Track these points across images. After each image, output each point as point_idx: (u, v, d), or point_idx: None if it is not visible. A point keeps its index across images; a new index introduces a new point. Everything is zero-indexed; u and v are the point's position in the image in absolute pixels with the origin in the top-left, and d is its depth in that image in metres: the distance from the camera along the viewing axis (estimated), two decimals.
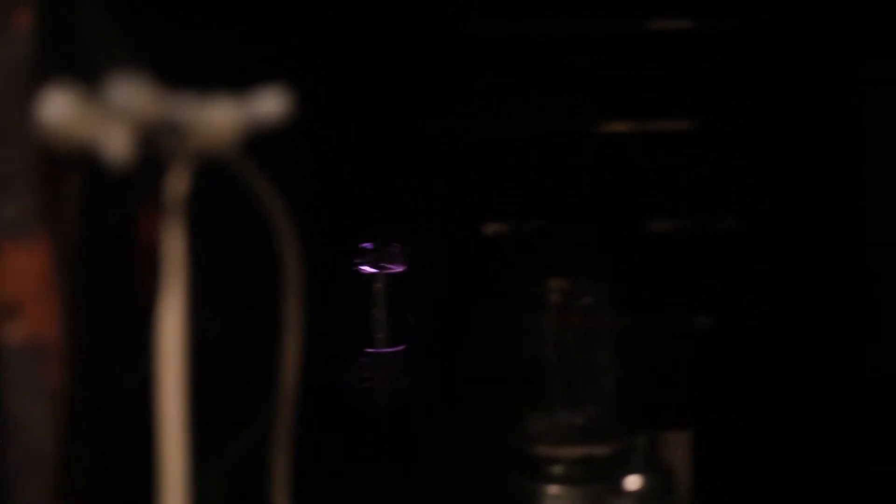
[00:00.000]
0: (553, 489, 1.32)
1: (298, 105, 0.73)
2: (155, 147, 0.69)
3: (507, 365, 1.44)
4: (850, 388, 1.51)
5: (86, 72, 0.70)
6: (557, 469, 1.32)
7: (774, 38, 1.55)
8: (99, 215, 0.76)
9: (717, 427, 1.43)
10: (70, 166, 0.70)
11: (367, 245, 1.53)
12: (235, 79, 0.81)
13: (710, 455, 1.34)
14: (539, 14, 1.59)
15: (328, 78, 1.54)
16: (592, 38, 1.59)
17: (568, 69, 1.60)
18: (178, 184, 0.69)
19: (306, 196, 1.45)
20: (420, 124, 1.61)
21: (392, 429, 1.52)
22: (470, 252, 1.62)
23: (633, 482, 1.22)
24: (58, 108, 0.65)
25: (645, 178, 1.60)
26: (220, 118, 0.70)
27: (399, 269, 1.53)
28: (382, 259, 1.53)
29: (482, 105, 1.61)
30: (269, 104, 0.71)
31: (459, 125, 1.61)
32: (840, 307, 1.54)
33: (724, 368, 1.55)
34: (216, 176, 0.72)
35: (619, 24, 1.59)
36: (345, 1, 1.55)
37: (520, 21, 1.59)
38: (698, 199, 1.60)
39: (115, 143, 0.65)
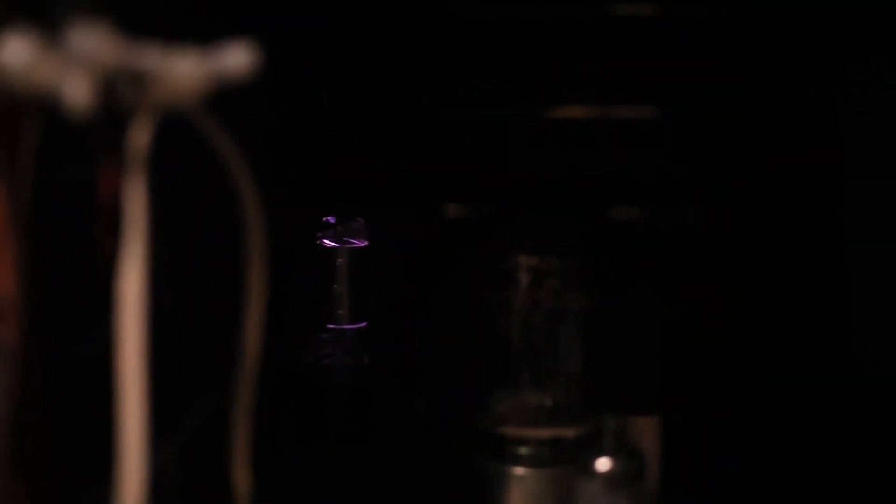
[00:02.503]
0: (519, 471, 1.30)
1: (265, 64, 0.70)
2: (117, 98, 0.65)
3: (472, 344, 1.42)
4: (819, 375, 1.50)
5: (46, 17, 0.67)
6: (524, 450, 1.30)
7: (745, 27, 1.53)
8: (57, 168, 0.73)
9: (686, 411, 1.41)
10: (27, 114, 0.66)
11: (330, 219, 1.50)
12: (202, 31, 0.78)
13: (679, 439, 1.33)
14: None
15: (298, 41, 1.51)
16: (558, 22, 1.57)
17: (532, 52, 1.58)
18: (140, 136, 0.66)
19: (269, 162, 1.42)
20: (385, 100, 1.59)
21: (352, 407, 1.49)
22: (433, 230, 1.60)
23: (602, 465, 1.19)
24: (16, 52, 0.61)
25: (608, 165, 1.59)
26: (184, 70, 0.67)
27: (362, 244, 1.50)
28: (345, 234, 1.49)
29: (447, 85, 1.59)
30: (236, 58, 0.68)
31: (424, 103, 1.59)
32: (809, 297, 1.53)
33: (692, 354, 1.54)
34: (179, 131, 0.69)
35: (586, 9, 1.57)
36: None
37: (488, 2, 1.57)
38: (663, 188, 1.58)
39: (76, 92, 0.62)
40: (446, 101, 1.59)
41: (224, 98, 0.69)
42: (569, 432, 1.29)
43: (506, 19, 1.58)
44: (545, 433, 1.30)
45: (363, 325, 1.49)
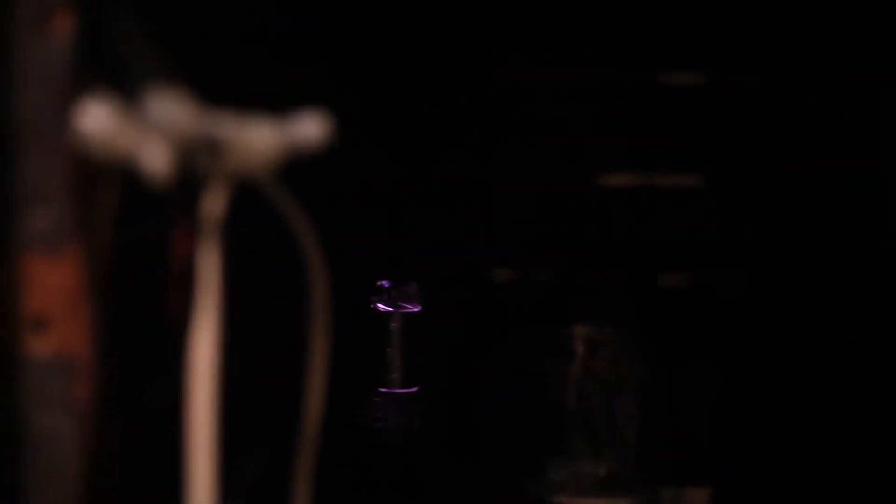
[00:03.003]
0: None
1: (338, 131, 0.72)
2: (193, 165, 0.67)
3: (525, 410, 1.42)
4: (873, 438, 1.50)
5: (125, 84, 0.69)
6: None
7: (788, 93, 1.55)
8: (133, 230, 0.75)
9: (738, 483, 1.41)
10: (106, 179, 0.69)
11: (385, 283, 1.51)
12: (277, 101, 0.80)
13: None
14: (556, 63, 1.59)
15: (358, 111, 1.53)
16: (608, 89, 1.59)
17: (582, 119, 1.59)
18: (214, 202, 0.68)
19: (332, 228, 1.44)
20: (439, 167, 1.61)
21: (403, 470, 1.50)
22: (484, 295, 1.61)
23: None
24: (96, 119, 0.63)
25: (655, 232, 1.60)
26: (259, 139, 0.69)
27: (415, 308, 1.51)
28: (399, 298, 1.51)
29: (499, 151, 1.60)
30: (309, 128, 0.70)
31: (476, 170, 1.61)
32: (860, 362, 1.53)
33: (742, 424, 1.53)
34: (252, 197, 0.71)
35: (635, 77, 1.58)
36: (378, 37, 1.55)
37: (538, 69, 1.59)
38: (708, 253, 1.59)
39: (153, 158, 0.64)
40: (498, 168, 1.60)
41: (295, 167, 0.71)
42: (623, 501, 1.30)
43: (557, 85, 1.59)
44: (599, 502, 1.30)
45: (415, 389, 1.51)
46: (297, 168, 0.76)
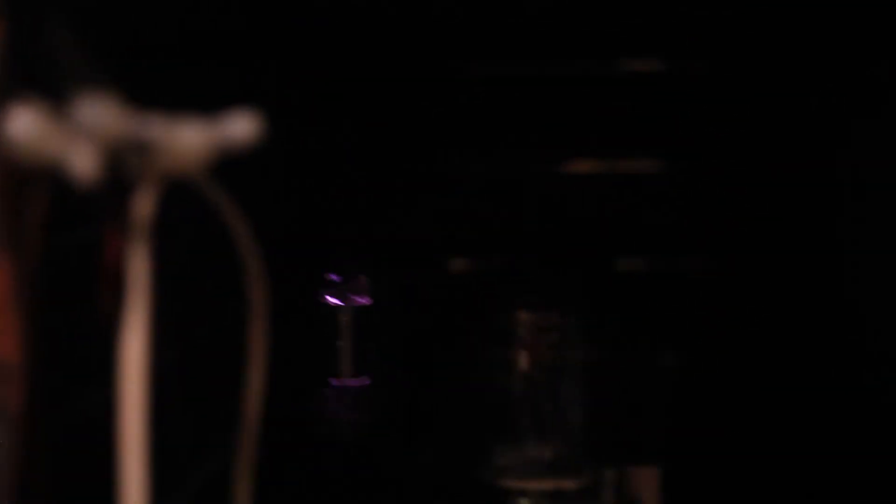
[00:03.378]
0: None
1: (268, 130, 0.71)
2: (122, 167, 0.67)
3: (474, 398, 1.43)
4: (823, 425, 1.51)
5: (52, 89, 0.69)
6: (525, 502, 1.31)
7: (747, 79, 1.55)
8: (62, 235, 0.74)
9: (686, 463, 1.42)
10: (34, 184, 0.68)
11: (334, 277, 1.51)
12: (206, 101, 0.80)
13: (679, 490, 1.33)
14: (512, 55, 1.59)
15: (298, 106, 1.53)
16: (566, 78, 1.59)
17: (537, 109, 1.59)
18: (144, 204, 0.67)
19: (273, 223, 1.44)
20: (389, 156, 1.60)
21: (356, 462, 1.50)
22: (435, 286, 1.61)
23: None
24: (23, 124, 0.63)
25: (613, 217, 1.60)
26: (188, 139, 0.69)
27: (365, 301, 1.51)
28: (349, 291, 1.51)
29: (453, 141, 1.60)
30: (240, 127, 0.70)
31: (428, 160, 1.60)
32: (813, 343, 1.54)
33: (693, 405, 1.54)
34: (183, 197, 0.71)
35: (593, 66, 1.58)
36: (322, 29, 1.55)
37: (493, 59, 1.59)
38: (667, 238, 1.59)
39: (81, 162, 0.64)
40: (451, 157, 1.60)
41: (227, 162, 0.71)
42: (570, 484, 1.30)
43: (514, 77, 1.59)
44: (546, 485, 1.31)
45: (366, 381, 1.51)
46: (248, 163, 0.76)
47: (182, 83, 1.02)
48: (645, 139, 1.59)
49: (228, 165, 0.71)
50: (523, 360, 1.37)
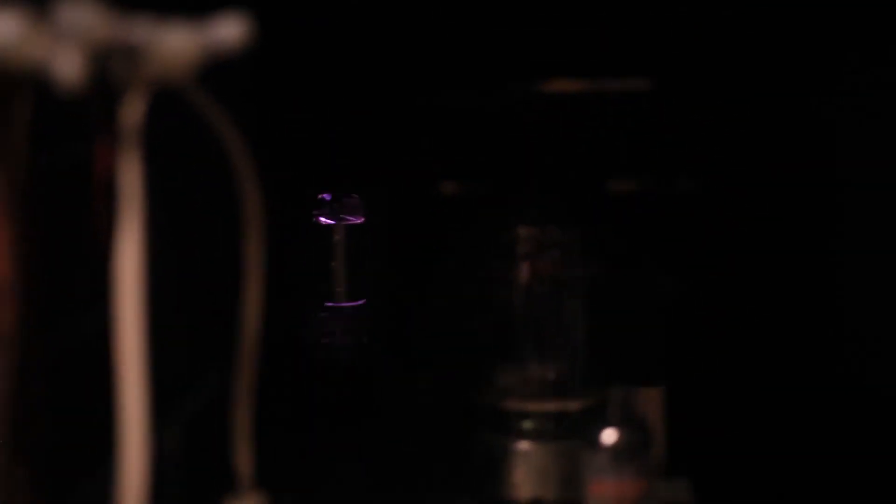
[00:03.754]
0: (524, 445, 1.28)
1: (260, 38, 0.68)
2: (109, 73, 0.64)
3: (473, 318, 1.40)
4: (816, 350, 1.50)
5: None
6: (528, 424, 1.29)
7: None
8: (52, 148, 0.71)
9: (689, 382, 1.40)
10: (18, 93, 0.65)
11: (326, 196, 1.48)
12: (194, 4, 0.77)
13: (683, 409, 1.32)
14: None
15: (293, 17, 1.49)
16: None
17: (522, 22, 1.56)
18: (133, 112, 0.64)
19: (264, 138, 1.41)
20: (379, 80, 1.57)
21: (352, 385, 1.48)
22: (430, 207, 1.58)
23: (608, 437, 1.18)
24: (4, 29, 0.60)
25: (603, 139, 1.57)
26: (176, 43, 0.65)
27: (358, 220, 1.48)
28: (341, 210, 1.48)
29: (439, 62, 1.57)
30: (228, 30, 0.67)
31: (417, 82, 1.57)
32: (805, 270, 1.52)
33: (694, 325, 1.52)
34: (174, 107, 0.68)
35: None
36: None
37: None
38: (658, 159, 1.56)
39: (66, 67, 0.60)
40: (439, 79, 1.57)
41: (219, 73, 0.68)
42: (573, 405, 1.28)
43: None
44: (549, 406, 1.29)
45: (361, 302, 1.48)
46: (235, 79, 0.73)
47: None
48: (634, 56, 1.56)
49: (215, 73, 0.68)
50: (524, 276, 1.34)
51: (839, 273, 1.50)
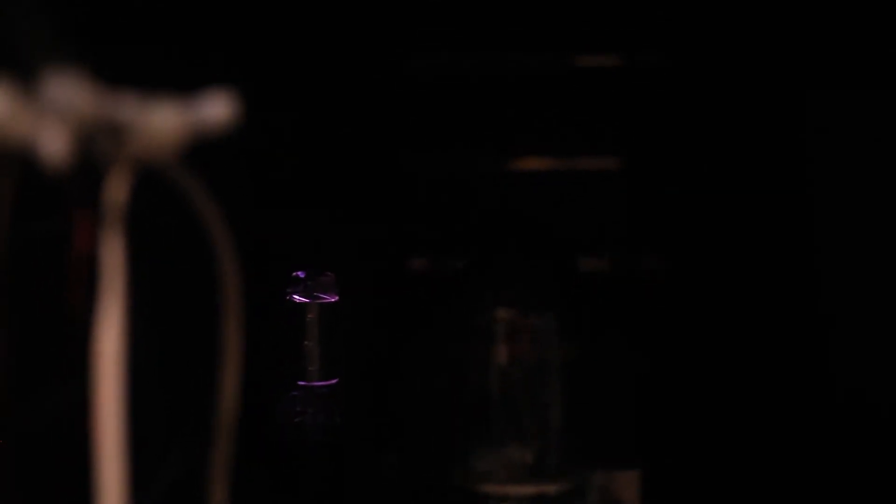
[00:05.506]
0: None
1: (245, 113, 0.68)
2: (93, 151, 0.64)
3: (448, 399, 1.40)
4: (797, 424, 1.49)
5: (20, 67, 0.66)
6: None
7: (704, 76, 1.53)
8: (32, 224, 0.71)
9: (665, 464, 1.40)
10: (1, 168, 0.65)
11: (300, 273, 1.48)
12: (180, 82, 0.77)
13: (660, 493, 1.31)
14: (464, 48, 1.56)
15: (269, 96, 1.50)
16: (520, 74, 1.56)
17: (490, 105, 1.57)
18: (117, 189, 0.64)
19: (241, 216, 1.40)
20: (350, 156, 1.58)
21: (325, 465, 1.47)
22: (402, 284, 1.58)
23: None
24: None
25: (573, 216, 1.58)
26: (162, 121, 0.65)
27: (333, 299, 1.48)
28: (315, 288, 1.48)
29: (409, 139, 1.58)
30: (215, 108, 0.67)
31: (385, 158, 1.58)
32: (780, 340, 1.52)
33: (667, 406, 1.52)
34: (155, 184, 0.68)
35: (548, 61, 1.56)
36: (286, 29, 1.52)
37: (449, 54, 1.57)
38: (627, 237, 1.57)
39: (51, 144, 0.60)
40: (408, 157, 1.58)
41: (201, 152, 0.68)
42: (551, 488, 1.27)
43: (467, 72, 1.57)
44: (527, 490, 1.28)
45: (334, 381, 1.47)
46: (207, 157, 0.73)
47: (155, 62, 0.99)
48: (603, 136, 1.57)
49: (200, 153, 0.68)
50: (501, 358, 1.34)
51: (815, 338, 1.51)
